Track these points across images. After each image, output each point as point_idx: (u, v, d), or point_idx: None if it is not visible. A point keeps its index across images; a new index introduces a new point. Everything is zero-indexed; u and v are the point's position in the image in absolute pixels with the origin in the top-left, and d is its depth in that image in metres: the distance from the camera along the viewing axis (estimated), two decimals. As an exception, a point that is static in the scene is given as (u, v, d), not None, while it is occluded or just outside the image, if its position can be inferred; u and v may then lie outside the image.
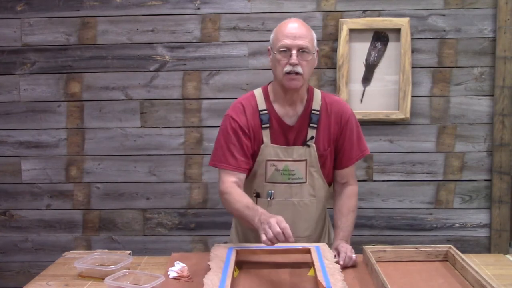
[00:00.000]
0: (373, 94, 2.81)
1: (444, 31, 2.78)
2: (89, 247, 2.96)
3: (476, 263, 1.75)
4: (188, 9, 2.82)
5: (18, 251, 3.00)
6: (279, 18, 2.74)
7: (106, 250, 2.00)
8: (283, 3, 2.79)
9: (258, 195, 1.96)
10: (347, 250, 1.76)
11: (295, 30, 1.82)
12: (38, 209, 2.97)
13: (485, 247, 2.88)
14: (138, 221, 2.95)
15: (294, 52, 1.81)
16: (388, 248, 1.80)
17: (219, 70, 2.85)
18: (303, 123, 1.92)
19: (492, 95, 2.79)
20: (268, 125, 1.91)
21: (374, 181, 2.87)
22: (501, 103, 2.77)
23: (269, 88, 1.96)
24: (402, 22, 2.74)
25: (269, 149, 1.91)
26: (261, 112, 1.91)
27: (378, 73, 2.81)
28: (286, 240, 1.54)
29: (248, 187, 1.97)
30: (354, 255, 1.76)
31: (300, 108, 1.93)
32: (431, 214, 2.88)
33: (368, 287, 1.58)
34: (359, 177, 2.82)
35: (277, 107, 1.93)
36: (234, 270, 1.63)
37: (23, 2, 2.85)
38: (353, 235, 1.99)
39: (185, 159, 2.91)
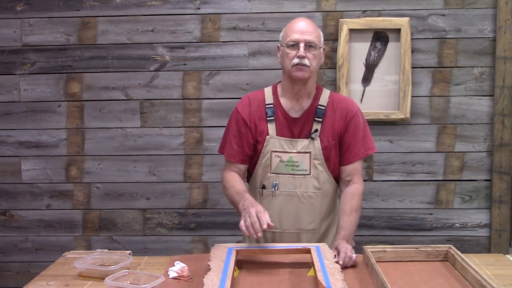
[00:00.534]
0: (373, 94, 2.81)
1: (444, 31, 2.78)
2: (89, 247, 2.96)
3: (476, 263, 1.75)
4: (188, 9, 2.82)
5: (18, 251, 3.00)
6: (279, 18, 2.75)
7: (106, 250, 2.00)
8: (283, 3, 2.79)
9: (264, 187, 2.01)
10: (347, 250, 1.76)
11: (303, 27, 1.93)
12: (38, 209, 2.97)
13: (485, 247, 2.87)
14: (138, 221, 2.95)
15: (301, 45, 1.90)
16: (388, 248, 1.80)
17: (219, 70, 2.85)
18: (309, 117, 1.98)
19: (492, 95, 2.79)
20: (273, 118, 1.98)
21: (374, 181, 2.87)
22: (501, 103, 2.77)
23: (278, 85, 2.06)
24: (402, 22, 2.74)
25: (274, 141, 1.98)
26: (267, 106, 2.00)
27: (378, 73, 2.81)
28: (261, 227, 1.65)
29: (255, 179, 2.04)
30: (354, 255, 1.76)
31: (307, 103, 1.99)
32: (431, 214, 2.88)
33: (368, 287, 1.58)
34: (359, 177, 2.82)
35: (283, 101, 2.01)
36: (234, 270, 1.63)
37: (23, 2, 2.85)
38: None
39: (185, 159, 2.91)
